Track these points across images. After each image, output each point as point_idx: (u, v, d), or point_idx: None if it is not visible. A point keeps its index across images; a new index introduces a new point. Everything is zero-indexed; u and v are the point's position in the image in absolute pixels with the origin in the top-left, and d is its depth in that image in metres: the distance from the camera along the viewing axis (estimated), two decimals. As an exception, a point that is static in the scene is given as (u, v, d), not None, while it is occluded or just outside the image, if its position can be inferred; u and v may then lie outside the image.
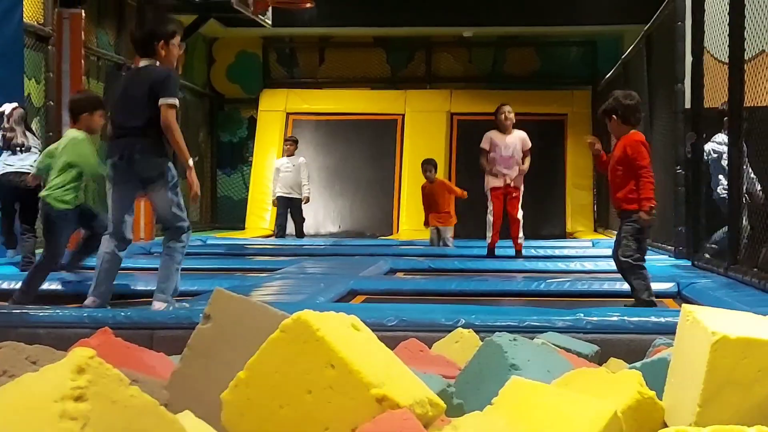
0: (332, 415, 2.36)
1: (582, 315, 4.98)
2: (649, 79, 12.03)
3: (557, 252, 11.41)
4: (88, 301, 5.99)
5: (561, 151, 17.38)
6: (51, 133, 11.64)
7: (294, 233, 14.77)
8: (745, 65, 7.32)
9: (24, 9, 10.66)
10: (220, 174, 19.05)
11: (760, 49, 7.17)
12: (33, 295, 6.55)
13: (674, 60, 9.96)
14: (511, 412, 2.47)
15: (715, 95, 8.48)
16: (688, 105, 9.50)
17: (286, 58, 19.02)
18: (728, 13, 7.54)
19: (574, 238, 15.52)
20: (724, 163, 7.84)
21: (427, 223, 12.61)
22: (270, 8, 15.24)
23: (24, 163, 8.55)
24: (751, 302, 5.75)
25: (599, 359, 4.10)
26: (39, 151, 8.64)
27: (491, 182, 10.30)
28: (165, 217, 6.08)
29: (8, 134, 8.57)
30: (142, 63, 6.11)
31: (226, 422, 2.47)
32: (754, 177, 8.01)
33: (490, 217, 10.35)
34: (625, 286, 6.65)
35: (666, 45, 10.56)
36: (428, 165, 12.62)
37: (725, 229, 7.96)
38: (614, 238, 6.95)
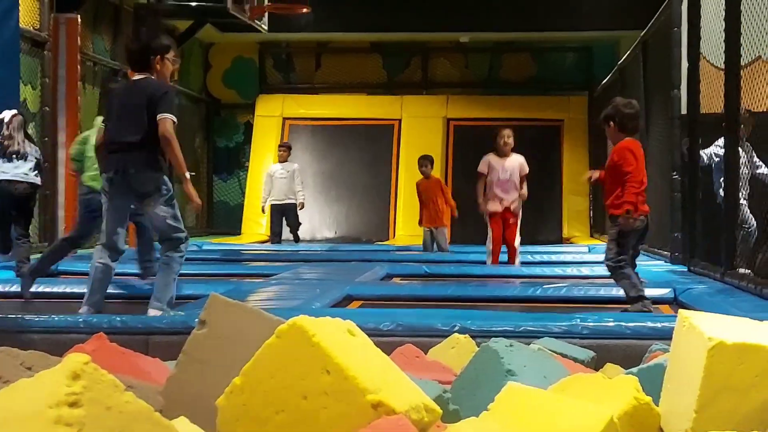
0: (328, 420, 2.36)
1: (578, 320, 4.98)
2: (646, 84, 12.03)
3: (554, 257, 11.41)
4: (82, 309, 5.98)
5: (557, 157, 17.38)
6: (47, 139, 11.64)
7: (291, 239, 14.76)
8: (741, 71, 7.32)
9: (20, 14, 10.66)
10: (217, 179, 19.05)
11: (756, 55, 7.18)
12: (45, 272, 6.70)
13: (670, 66, 9.97)
14: (507, 418, 2.47)
15: (712, 101, 8.48)
16: (684, 111, 9.51)
17: (282, 63, 19.03)
18: (724, 19, 7.55)
19: (571, 243, 15.53)
20: None
21: (420, 222, 12.59)
22: (266, 14, 15.25)
23: (18, 171, 8.53)
24: (748, 308, 5.75)
25: (595, 365, 4.10)
26: (36, 158, 8.66)
27: (490, 207, 10.21)
28: (162, 230, 6.06)
29: (6, 141, 8.57)
30: (137, 77, 6.11)
31: (222, 428, 2.46)
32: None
33: (489, 245, 10.25)
34: (621, 292, 6.65)
35: (662, 51, 10.57)
36: (425, 160, 12.62)
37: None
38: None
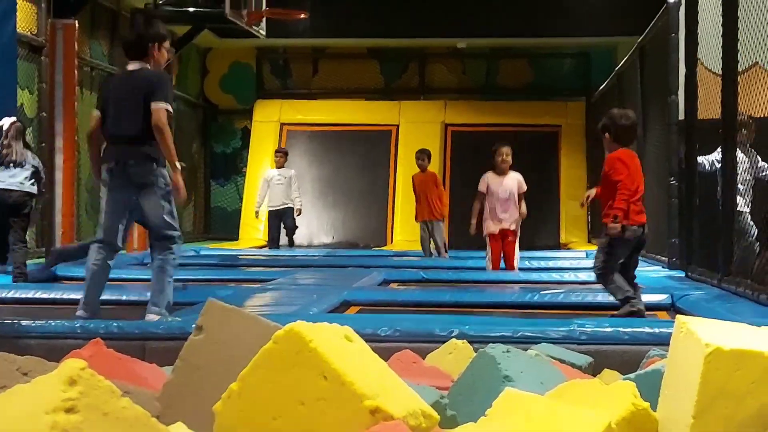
0: (325, 426, 2.35)
1: (576, 326, 4.97)
2: (643, 90, 12.04)
3: (551, 263, 11.41)
4: (79, 313, 5.96)
5: (555, 163, 17.40)
6: (44, 144, 11.64)
7: (287, 243, 14.76)
8: (739, 77, 7.32)
9: (17, 19, 10.65)
10: (214, 185, 19.04)
11: (754, 61, 7.18)
12: (59, 262, 6.64)
13: (668, 72, 9.98)
14: (504, 423, 2.46)
15: (709, 107, 8.48)
16: (681, 116, 9.51)
17: (279, 68, 19.03)
18: (722, 25, 7.55)
19: (568, 249, 15.53)
20: None
21: (417, 217, 12.60)
22: (264, 19, 15.26)
23: (14, 180, 8.55)
24: (745, 313, 5.75)
25: (593, 370, 4.10)
26: (33, 167, 8.67)
27: (489, 228, 10.20)
28: (157, 224, 6.01)
29: (5, 150, 8.59)
30: (133, 66, 6.08)
31: (219, 434, 2.46)
32: None
33: (489, 264, 10.24)
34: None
35: (659, 57, 10.58)
36: (422, 154, 12.69)
37: None
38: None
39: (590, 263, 10.97)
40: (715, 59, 8.01)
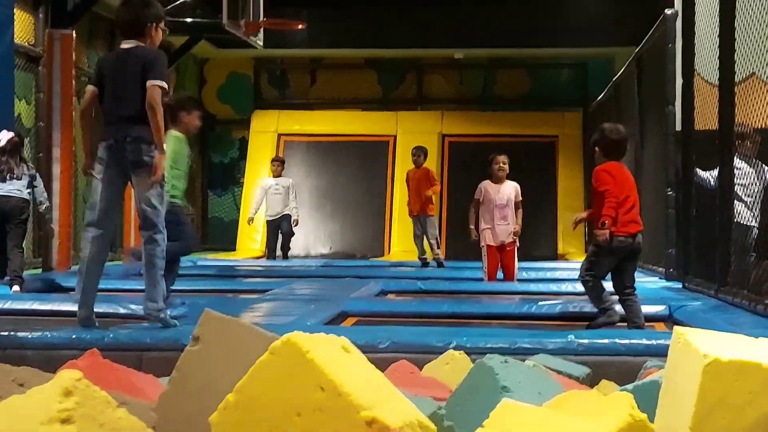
0: (322, 437, 2.34)
1: (573, 337, 4.97)
2: (640, 100, 12.05)
3: (548, 274, 11.40)
4: (79, 313, 5.92)
5: (552, 173, 17.40)
6: (41, 154, 11.63)
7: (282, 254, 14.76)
8: (736, 87, 7.33)
9: (15, 30, 10.66)
10: (211, 195, 19.03)
11: (750, 72, 7.18)
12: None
13: (665, 82, 9.98)
14: (502, 434, 2.45)
15: (706, 118, 8.48)
16: (679, 127, 9.51)
17: (277, 79, 19.04)
18: (718, 36, 7.56)
19: (566, 260, 15.51)
20: (736, 187, 7.83)
21: (410, 212, 12.71)
22: (261, 30, 15.26)
23: (12, 187, 8.60)
24: (743, 324, 5.75)
25: (590, 381, 4.09)
26: (29, 176, 8.72)
27: (486, 239, 10.18)
28: (145, 207, 5.96)
29: (2, 167, 8.66)
30: (128, 44, 6.05)
31: (215, 445, 2.45)
32: None
33: (485, 277, 10.23)
34: (617, 309, 6.66)
35: (657, 67, 10.59)
36: (418, 150, 12.85)
37: None
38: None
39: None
40: (712, 70, 8.02)
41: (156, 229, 5.97)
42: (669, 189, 9.92)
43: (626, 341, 4.94)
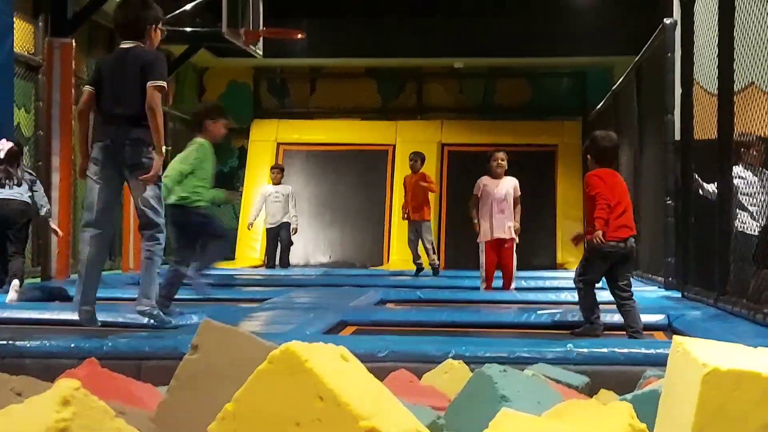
0: (320, 447, 2.34)
1: (572, 346, 4.97)
2: (640, 110, 12.06)
3: (547, 283, 11.40)
4: (80, 314, 5.92)
5: (551, 182, 17.40)
6: (40, 163, 11.63)
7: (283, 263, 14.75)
8: (735, 97, 7.33)
9: (14, 39, 10.66)
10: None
11: (749, 81, 7.18)
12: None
13: (664, 91, 10.00)
14: (501, 444, 2.45)
15: (706, 127, 8.48)
16: (678, 136, 9.51)
17: (276, 88, 19.06)
18: (717, 45, 7.56)
19: (565, 269, 15.50)
20: (741, 197, 7.81)
21: (407, 217, 12.80)
22: (261, 39, 15.27)
23: (12, 191, 8.63)
24: (742, 333, 5.74)
25: (590, 391, 4.09)
26: (29, 182, 8.74)
27: (484, 234, 10.20)
28: (144, 208, 5.97)
29: (1, 174, 8.68)
30: (127, 45, 6.04)
31: (213, 455, 2.44)
32: None
33: (483, 272, 10.24)
34: (616, 318, 6.66)
35: (656, 76, 10.60)
36: (415, 155, 12.94)
37: None
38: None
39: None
40: (711, 79, 8.02)
41: (158, 228, 5.99)
42: (668, 198, 9.92)
43: (625, 350, 4.94)
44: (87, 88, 6.14)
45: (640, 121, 11.95)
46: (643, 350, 4.95)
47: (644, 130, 11.77)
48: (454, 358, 4.43)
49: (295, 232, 14.63)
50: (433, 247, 12.73)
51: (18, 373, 3.10)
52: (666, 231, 9.98)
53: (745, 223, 7.85)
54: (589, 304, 6.58)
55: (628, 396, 3.12)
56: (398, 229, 16.64)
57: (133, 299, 8.15)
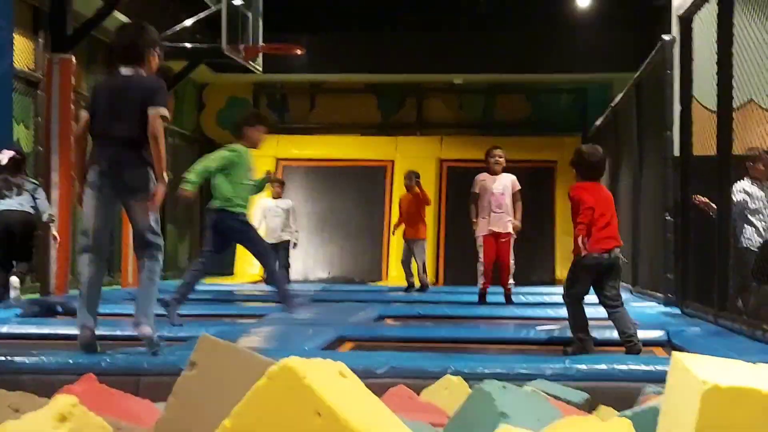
0: (318, 464, 2.33)
1: (571, 362, 4.96)
2: (639, 126, 12.07)
3: (546, 299, 11.38)
4: (80, 335, 5.91)
5: (550, 198, 17.41)
6: (40, 178, 11.62)
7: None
8: (734, 113, 7.34)
9: (15, 55, 10.68)
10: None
11: (748, 98, 7.19)
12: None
13: (663, 107, 10.00)
14: (499, 461, 2.44)
15: (705, 143, 8.48)
16: (677, 152, 9.52)
17: (276, 103, 19.09)
18: (716, 62, 7.58)
19: (563, 284, 15.48)
20: (746, 212, 7.80)
21: (393, 233, 13.04)
22: (261, 54, 15.31)
23: (14, 201, 8.66)
24: (741, 350, 5.73)
25: (589, 407, 4.08)
26: (31, 195, 8.75)
27: (481, 229, 10.26)
28: (143, 230, 5.94)
29: (2, 183, 8.71)
30: (127, 71, 6.04)
31: (211, 471, 2.44)
32: None
33: (480, 267, 10.30)
34: (615, 335, 6.64)
35: (655, 93, 10.61)
36: (410, 174, 12.90)
37: None
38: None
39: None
40: (710, 96, 8.03)
41: (158, 248, 5.97)
42: (667, 214, 9.92)
43: (624, 366, 4.93)
44: (83, 114, 6.14)
45: (640, 137, 11.96)
46: (643, 366, 4.94)
47: (644, 146, 11.77)
48: (452, 374, 4.42)
49: (295, 247, 14.57)
50: (424, 267, 12.76)
51: (15, 389, 3.09)
52: (665, 247, 9.98)
53: (750, 238, 7.85)
54: (577, 322, 6.51)
55: (628, 412, 3.11)
56: (397, 245, 16.60)
57: (131, 315, 8.17)
